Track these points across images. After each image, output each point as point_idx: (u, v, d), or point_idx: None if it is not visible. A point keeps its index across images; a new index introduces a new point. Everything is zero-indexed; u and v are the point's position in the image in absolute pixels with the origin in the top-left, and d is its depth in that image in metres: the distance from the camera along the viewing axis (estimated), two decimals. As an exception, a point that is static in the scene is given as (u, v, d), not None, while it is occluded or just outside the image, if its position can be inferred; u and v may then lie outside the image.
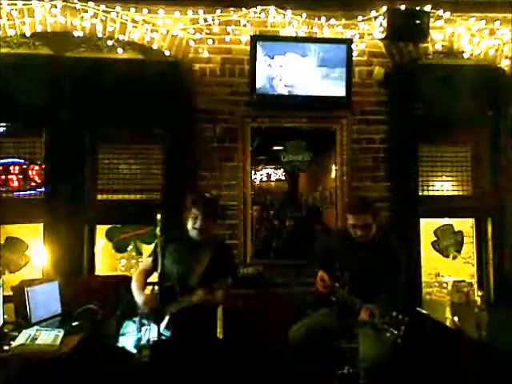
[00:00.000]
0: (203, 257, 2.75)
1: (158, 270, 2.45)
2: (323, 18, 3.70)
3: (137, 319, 2.64)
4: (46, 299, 2.98)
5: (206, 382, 2.50)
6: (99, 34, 3.52)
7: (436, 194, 4.01)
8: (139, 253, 3.91)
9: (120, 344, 2.63)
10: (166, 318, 2.57)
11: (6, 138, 3.68)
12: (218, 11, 3.62)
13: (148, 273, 2.83)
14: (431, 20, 3.64)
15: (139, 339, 2.57)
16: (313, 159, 3.84)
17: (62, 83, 3.56)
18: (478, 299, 3.37)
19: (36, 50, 3.59)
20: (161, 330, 2.48)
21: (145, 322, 2.61)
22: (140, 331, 2.58)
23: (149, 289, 2.85)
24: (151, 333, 2.51)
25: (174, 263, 2.75)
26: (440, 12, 3.74)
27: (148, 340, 2.54)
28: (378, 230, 2.94)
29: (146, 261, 2.92)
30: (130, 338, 2.61)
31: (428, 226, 4.02)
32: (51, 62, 3.58)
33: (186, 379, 2.47)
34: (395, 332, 2.56)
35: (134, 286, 2.75)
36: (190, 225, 2.76)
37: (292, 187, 3.98)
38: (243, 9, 3.64)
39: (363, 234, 2.87)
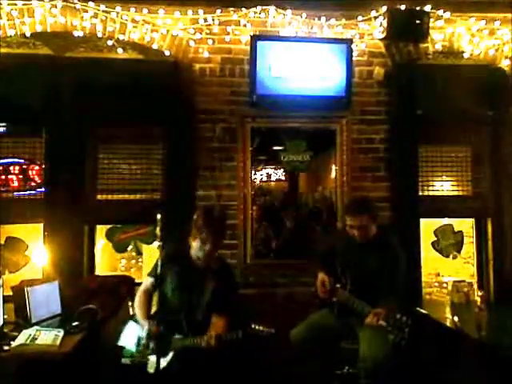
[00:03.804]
0: (207, 285, 2.66)
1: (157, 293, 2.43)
2: (323, 18, 3.70)
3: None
4: (45, 299, 2.98)
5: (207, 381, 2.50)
6: (99, 34, 3.52)
7: (436, 193, 4.01)
8: (139, 253, 3.92)
9: (121, 343, 2.63)
10: (170, 354, 2.51)
11: (5, 138, 3.67)
12: (218, 11, 3.62)
13: (150, 293, 2.75)
14: (431, 20, 3.64)
15: (140, 339, 2.57)
16: (313, 159, 3.84)
17: (62, 83, 3.56)
18: (478, 299, 3.37)
19: (36, 49, 3.59)
20: (164, 364, 2.45)
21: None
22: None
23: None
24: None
25: (177, 290, 2.66)
26: (440, 12, 3.74)
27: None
28: (378, 230, 2.94)
29: (146, 281, 2.80)
30: (130, 337, 2.61)
31: (428, 226, 4.02)
32: (51, 61, 3.58)
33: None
34: (399, 334, 2.56)
35: (138, 313, 2.66)
36: (197, 244, 2.64)
37: (292, 187, 3.97)
38: (243, 9, 3.64)
39: (360, 235, 2.87)
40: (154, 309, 2.73)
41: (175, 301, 2.65)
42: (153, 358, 2.42)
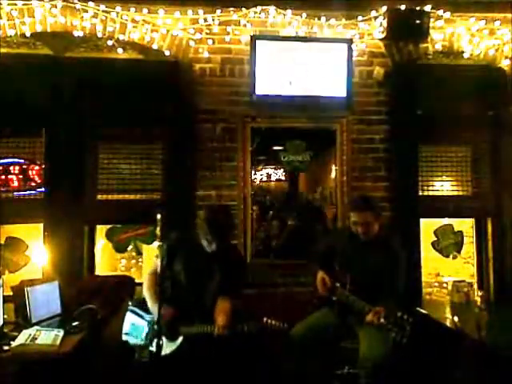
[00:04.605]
0: (216, 271, 2.69)
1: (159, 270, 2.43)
2: (323, 18, 3.70)
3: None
4: (45, 299, 2.98)
5: (207, 381, 2.50)
6: (99, 34, 3.51)
7: (436, 193, 4.01)
8: (139, 253, 3.91)
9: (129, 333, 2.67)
10: (180, 339, 2.54)
11: (5, 138, 3.67)
12: (218, 11, 3.62)
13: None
14: (431, 20, 3.64)
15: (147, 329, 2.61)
16: (313, 159, 3.84)
17: (62, 83, 3.56)
18: (478, 299, 3.37)
19: (36, 49, 3.60)
20: (172, 349, 2.48)
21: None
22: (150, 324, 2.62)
23: None
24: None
25: (186, 276, 2.68)
26: (440, 12, 3.74)
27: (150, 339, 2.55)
28: (380, 229, 2.94)
29: (154, 263, 2.82)
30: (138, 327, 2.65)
31: (428, 226, 4.02)
32: (51, 61, 3.58)
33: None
34: (400, 332, 2.56)
35: (149, 297, 2.67)
36: (204, 243, 2.67)
37: (292, 187, 3.98)
38: (243, 9, 3.64)
39: (364, 232, 2.88)
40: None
41: (184, 286, 2.66)
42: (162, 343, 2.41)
